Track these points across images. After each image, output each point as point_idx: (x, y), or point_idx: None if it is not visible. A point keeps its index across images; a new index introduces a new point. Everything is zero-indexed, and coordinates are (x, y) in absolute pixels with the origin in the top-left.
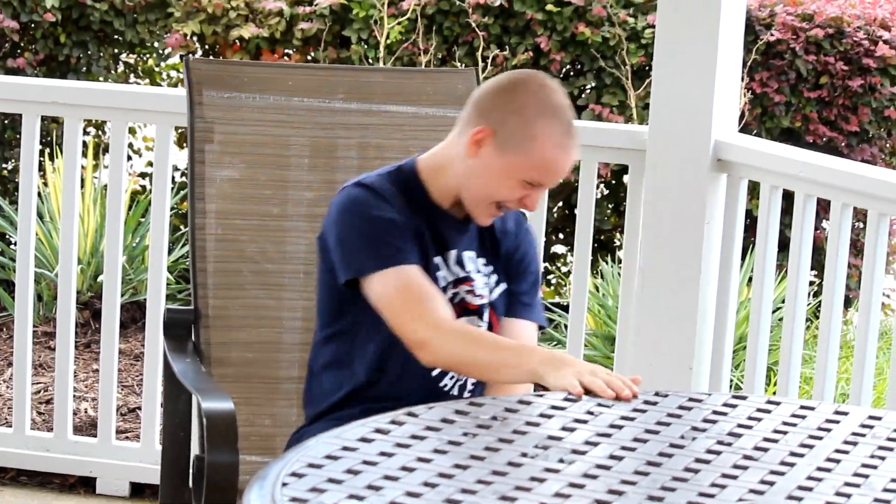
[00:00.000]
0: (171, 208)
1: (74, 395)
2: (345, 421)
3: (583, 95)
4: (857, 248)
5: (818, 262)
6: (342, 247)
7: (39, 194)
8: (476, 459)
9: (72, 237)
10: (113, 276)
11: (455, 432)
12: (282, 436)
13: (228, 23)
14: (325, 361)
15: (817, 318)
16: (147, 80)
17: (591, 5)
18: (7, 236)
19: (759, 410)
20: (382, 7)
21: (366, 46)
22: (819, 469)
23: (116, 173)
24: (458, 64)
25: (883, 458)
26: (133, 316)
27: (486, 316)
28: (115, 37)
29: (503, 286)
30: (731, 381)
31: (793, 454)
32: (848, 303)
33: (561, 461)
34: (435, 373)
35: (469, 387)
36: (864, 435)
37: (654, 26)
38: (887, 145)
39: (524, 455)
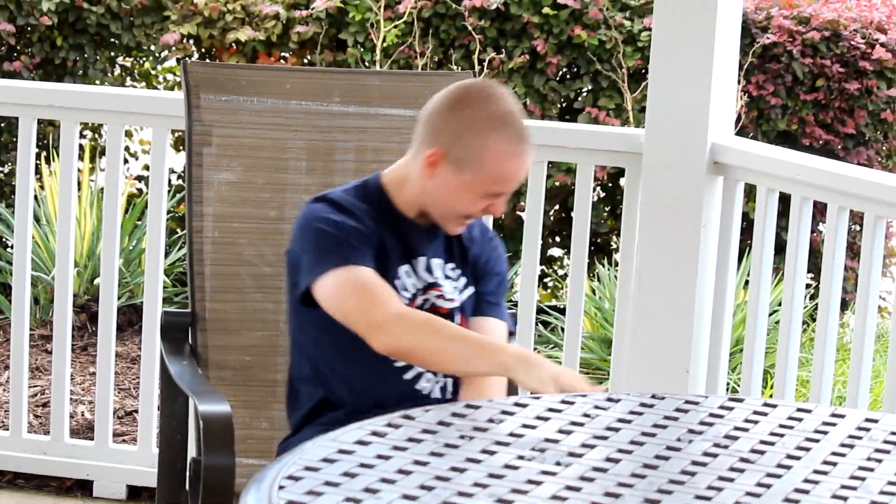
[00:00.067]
0: (168, 211)
1: (71, 399)
2: (328, 426)
3: (579, 98)
4: (853, 251)
5: (815, 265)
6: (302, 259)
7: (36, 197)
8: (472, 462)
9: (68, 240)
10: (109, 280)
11: (451, 435)
12: (279, 439)
13: (225, 26)
14: (299, 375)
15: (814, 320)
16: (143, 84)
17: (587, 8)
18: (3, 239)
19: (755, 413)
20: (379, 10)
21: (362, 50)
22: (816, 472)
23: (113, 176)
24: (455, 67)
25: (879, 461)
26: (130, 319)
27: (457, 320)
28: (112, 40)
29: (471, 289)
30: (728, 383)
31: (789, 457)
32: (844, 305)
33: (557, 464)
34: (409, 375)
35: (450, 388)
36: (860, 438)
37: (650, 29)
38: (884, 148)
39: (521, 458)
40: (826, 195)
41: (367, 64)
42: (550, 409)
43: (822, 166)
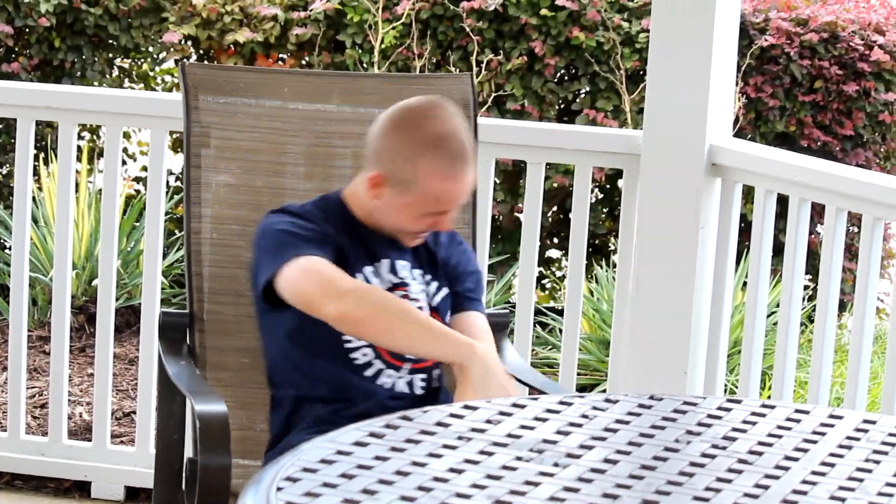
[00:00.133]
0: (166, 213)
1: (69, 400)
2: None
3: (577, 100)
4: (851, 253)
5: (813, 267)
6: (262, 262)
7: (34, 199)
8: (470, 463)
9: (66, 241)
10: (108, 281)
11: (449, 436)
12: None
13: (223, 27)
14: (273, 378)
15: (812, 322)
16: (141, 85)
17: (585, 10)
18: (1, 241)
19: (753, 414)
20: (377, 12)
21: (360, 51)
22: (814, 473)
23: (111, 178)
24: (453, 69)
25: (878, 463)
26: (128, 320)
27: None
28: (110, 41)
29: (445, 290)
30: (726, 385)
31: (788, 458)
32: (842, 307)
33: (556, 465)
34: (369, 373)
35: (420, 384)
36: (858, 439)
37: (648, 31)
38: (882, 149)
39: (519, 459)
40: (824, 197)
41: (364, 66)
42: (548, 410)
43: (820, 168)
